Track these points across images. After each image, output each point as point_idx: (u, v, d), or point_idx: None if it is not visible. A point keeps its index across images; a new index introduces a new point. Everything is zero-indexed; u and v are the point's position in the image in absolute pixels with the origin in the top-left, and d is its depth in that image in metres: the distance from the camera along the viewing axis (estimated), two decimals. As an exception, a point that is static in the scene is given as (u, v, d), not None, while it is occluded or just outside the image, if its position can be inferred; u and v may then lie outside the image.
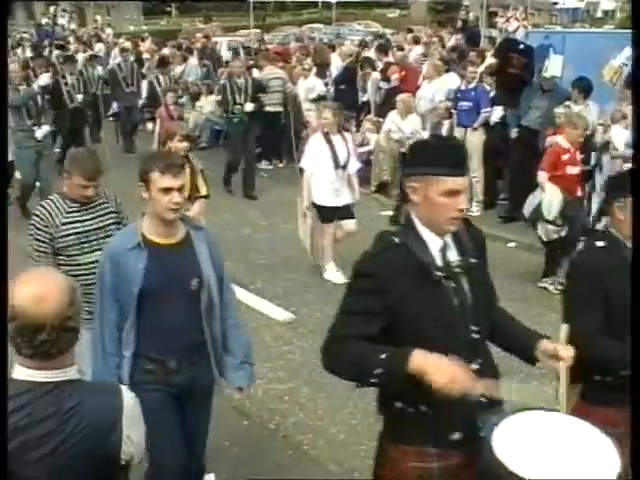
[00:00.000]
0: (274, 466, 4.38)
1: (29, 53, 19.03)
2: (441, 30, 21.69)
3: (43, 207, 4.03)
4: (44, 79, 9.61)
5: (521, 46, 9.44)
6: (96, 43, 22.51)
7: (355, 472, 4.35)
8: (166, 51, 17.77)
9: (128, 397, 2.11)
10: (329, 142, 7.17)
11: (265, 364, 5.58)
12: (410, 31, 18.70)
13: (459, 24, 16.93)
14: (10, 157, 9.23)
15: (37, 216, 4.01)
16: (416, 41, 15.22)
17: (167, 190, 3.17)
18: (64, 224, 3.98)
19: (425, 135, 10.02)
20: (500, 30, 17.33)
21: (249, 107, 10.36)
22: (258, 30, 30.32)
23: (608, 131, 8.03)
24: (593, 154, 7.98)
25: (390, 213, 9.59)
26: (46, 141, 9.38)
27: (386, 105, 10.95)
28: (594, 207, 8.08)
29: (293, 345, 5.94)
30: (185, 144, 5.89)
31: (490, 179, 9.58)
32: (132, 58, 15.38)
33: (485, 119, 9.21)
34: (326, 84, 12.52)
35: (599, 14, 55.04)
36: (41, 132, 9.10)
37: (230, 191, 10.63)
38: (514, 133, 9.01)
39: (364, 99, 11.94)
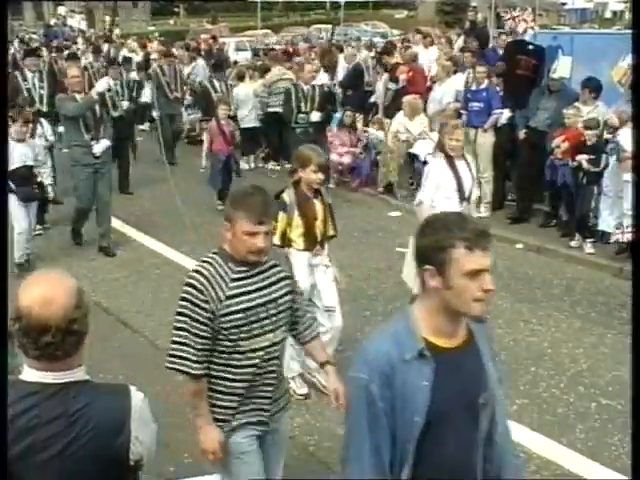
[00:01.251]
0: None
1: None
2: (449, 31, 21.66)
3: (200, 274, 2.96)
4: (102, 85, 8.10)
5: (530, 47, 9.40)
6: (104, 44, 22.56)
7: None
8: (174, 51, 17.80)
9: (136, 398, 2.09)
10: (454, 169, 5.87)
11: (272, 365, 5.58)
12: (418, 32, 18.66)
13: (467, 25, 16.86)
14: (49, 178, 8.26)
15: (193, 287, 2.94)
16: (433, 42, 15.14)
17: (476, 273, 2.14)
18: (229, 297, 2.93)
19: (433, 136, 10.02)
20: (508, 33, 17.27)
21: (315, 116, 9.36)
22: (267, 30, 30.33)
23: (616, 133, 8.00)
24: (603, 156, 7.93)
25: (398, 214, 9.59)
26: (105, 157, 8.09)
27: (394, 106, 10.94)
28: (603, 212, 8.05)
29: (300, 346, 5.92)
30: (320, 176, 4.84)
31: (498, 180, 9.56)
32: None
33: (496, 120, 9.18)
34: (334, 85, 12.51)
35: (608, 15, 54.90)
36: (99, 147, 7.87)
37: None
38: (522, 134, 8.99)
39: (372, 99, 11.93)
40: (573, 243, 8.19)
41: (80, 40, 24.69)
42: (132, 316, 6.50)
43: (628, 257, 7.44)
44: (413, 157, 10.11)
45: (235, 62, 17.53)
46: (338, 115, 11.55)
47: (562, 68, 8.99)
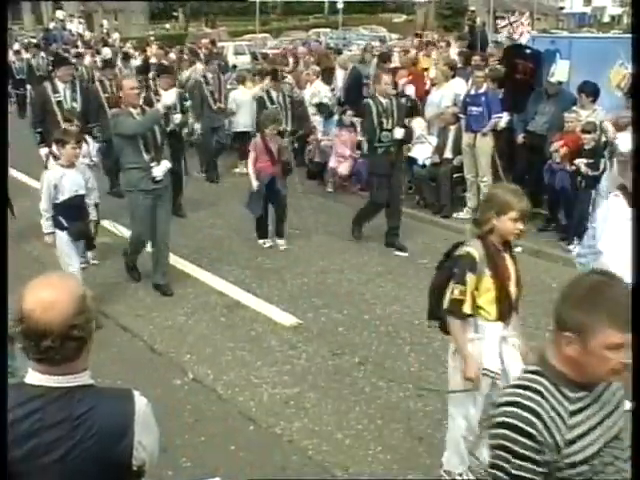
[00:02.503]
0: (279, 471, 4.38)
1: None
2: (448, 35, 21.75)
3: (525, 408, 1.98)
4: (171, 97, 6.91)
5: (528, 51, 9.42)
6: (102, 48, 22.61)
7: (361, 477, 4.35)
8: (172, 55, 17.82)
9: (140, 403, 2.10)
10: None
11: (271, 369, 5.60)
12: (418, 36, 18.75)
13: (466, 29, 16.95)
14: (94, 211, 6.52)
15: (515, 429, 1.96)
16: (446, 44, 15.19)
17: None
18: (569, 442, 1.98)
19: (432, 140, 10.04)
20: (509, 36, 17.40)
21: (399, 134, 8.11)
22: (265, 34, 30.40)
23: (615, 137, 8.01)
24: (602, 160, 7.94)
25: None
26: (165, 181, 6.97)
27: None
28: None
29: (299, 350, 5.93)
30: (519, 225, 3.80)
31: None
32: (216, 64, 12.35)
33: (495, 124, 9.18)
34: (332, 90, 12.52)
35: (606, 19, 55.14)
36: (160, 170, 6.80)
37: (359, 237, 8.69)
38: (520, 138, 9.00)
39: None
40: (572, 247, 8.18)
41: (79, 44, 24.71)
42: (131, 320, 6.50)
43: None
44: (411, 161, 10.11)
45: (234, 66, 17.57)
46: (336, 118, 11.57)
47: (560, 72, 9.01)
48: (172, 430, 4.53)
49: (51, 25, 36.11)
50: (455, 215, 9.58)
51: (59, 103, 8.53)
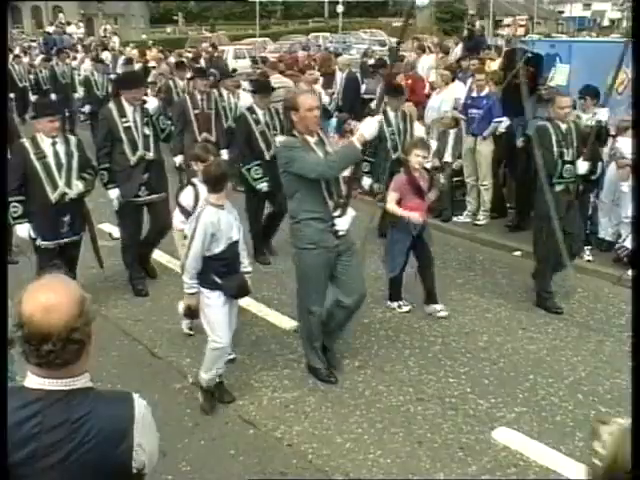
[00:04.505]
0: (279, 475, 4.37)
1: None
2: (447, 39, 21.81)
3: None
4: (371, 128, 4.78)
5: (528, 54, 9.42)
6: (102, 52, 22.60)
7: (361, 482, 4.34)
8: (172, 59, 17.83)
9: (140, 405, 2.10)
10: None
11: (270, 372, 5.59)
12: (417, 40, 18.78)
13: (465, 33, 17.00)
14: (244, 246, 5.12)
15: None
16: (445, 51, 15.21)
17: None
18: None
19: (432, 144, 10.03)
20: (508, 40, 17.46)
21: (583, 168, 6.48)
22: (265, 38, 30.49)
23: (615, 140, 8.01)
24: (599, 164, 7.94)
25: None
26: (348, 237, 5.27)
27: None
28: (602, 219, 8.07)
29: (299, 353, 5.92)
30: None
31: (498, 188, 9.57)
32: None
33: (495, 128, 9.18)
34: (332, 94, 12.53)
35: (605, 23, 55.29)
36: (345, 222, 5.10)
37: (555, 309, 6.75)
38: (520, 142, 9.00)
39: (372, 106, 11.97)
40: (571, 251, 8.17)
41: (79, 48, 24.73)
42: (131, 324, 6.49)
43: (626, 265, 7.45)
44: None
45: (234, 70, 17.58)
46: (334, 121, 11.56)
47: (559, 76, 9.01)
48: (172, 434, 4.53)
49: (51, 29, 36.15)
50: (455, 219, 9.59)
51: (127, 130, 6.75)
